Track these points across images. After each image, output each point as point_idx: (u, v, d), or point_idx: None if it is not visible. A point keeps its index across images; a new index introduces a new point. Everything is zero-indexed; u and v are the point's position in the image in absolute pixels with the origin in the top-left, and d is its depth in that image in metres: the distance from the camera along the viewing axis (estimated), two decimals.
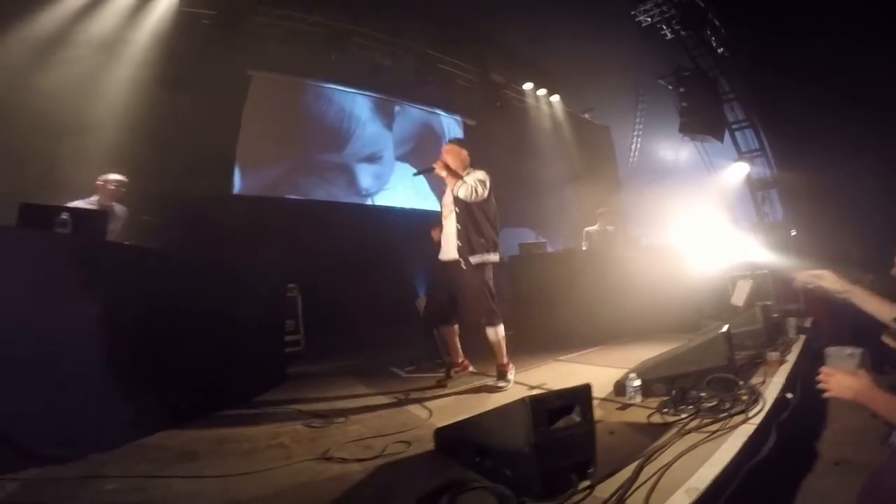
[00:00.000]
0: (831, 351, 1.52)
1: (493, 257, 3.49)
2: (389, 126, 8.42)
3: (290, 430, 2.63)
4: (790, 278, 2.06)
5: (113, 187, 3.98)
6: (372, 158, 8.01)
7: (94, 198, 3.94)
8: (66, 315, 2.31)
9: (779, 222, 8.61)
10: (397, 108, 8.58)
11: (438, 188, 8.51)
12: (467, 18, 7.74)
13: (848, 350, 1.48)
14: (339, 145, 7.57)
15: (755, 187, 8.98)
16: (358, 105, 8.04)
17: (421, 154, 8.76)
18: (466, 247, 3.42)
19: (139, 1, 5.81)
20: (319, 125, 7.52)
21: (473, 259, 3.40)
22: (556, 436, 1.57)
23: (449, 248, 3.53)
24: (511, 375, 3.48)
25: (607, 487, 1.54)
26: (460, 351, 3.81)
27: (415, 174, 3.89)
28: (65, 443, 2.16)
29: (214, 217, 5.60)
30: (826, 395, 1.42)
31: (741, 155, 9.07)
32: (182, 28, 6.03)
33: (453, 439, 2.03)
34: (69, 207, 2.86)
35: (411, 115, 8.84)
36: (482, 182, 3.47)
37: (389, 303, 6.05)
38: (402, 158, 8.57)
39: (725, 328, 2.85)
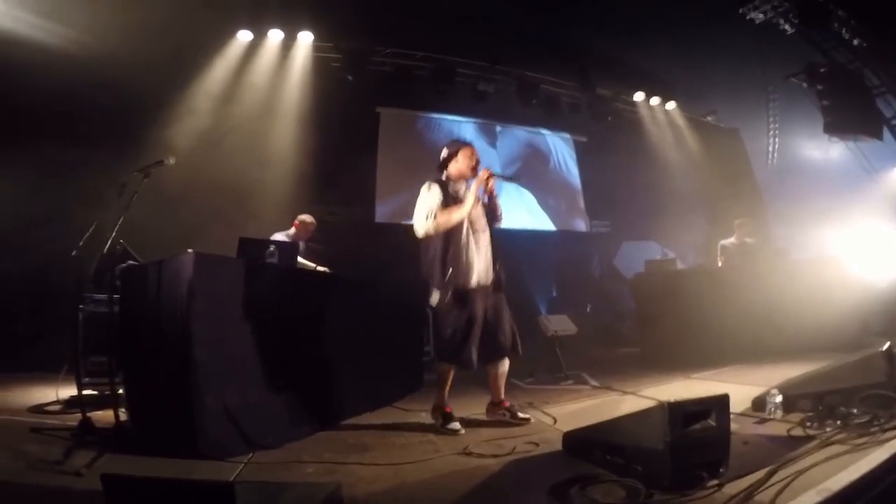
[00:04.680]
0: None
1: None
2: (493, 144, 8.84)
3: (433, 428, 2.99)
4: None
5: (298, 223, 4.79)
6: None
7: (291, 231, 4.74)
8: (272, 328, 2.92)
9: None
10: (499, 128, 8.97)
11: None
12: (564, 36, 7.79)
13: None
14: None
15: None
16: (463, 129, 8.61)
17: (528, 174, 8.96)
18: (502, 271, 3.14)
19: (282, 50, 6.93)
20: (433, 151, 8.19)
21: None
22: (691, 436, 1.70)
23: (484, 270, 3.05)
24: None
25: (737, 486, 1.62)
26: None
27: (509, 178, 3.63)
28: (270, 434, 2.67)
29: (362, 242, 6.49)
30: None
31: None
32: (319, 73, 7.07)
33: (583, 440, 2.21)
34: (274, 241, 3.57)
35: (516, 135, 9.16)
36: None
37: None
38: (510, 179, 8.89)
39: (888, 345, 2.62)
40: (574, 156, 9.56)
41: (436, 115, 8.47)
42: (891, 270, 5.81)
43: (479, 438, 2.72)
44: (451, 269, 2.92)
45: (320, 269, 4.15)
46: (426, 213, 2.97)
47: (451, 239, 2.96)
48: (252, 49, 6.75)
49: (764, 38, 7.60)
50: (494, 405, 3.17)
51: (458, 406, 3.48)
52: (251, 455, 2.47)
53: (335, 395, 3.29)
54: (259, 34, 6.77)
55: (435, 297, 2.96)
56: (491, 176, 3.10)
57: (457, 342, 2.93)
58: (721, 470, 1.68)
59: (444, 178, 3.16)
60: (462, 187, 3.14)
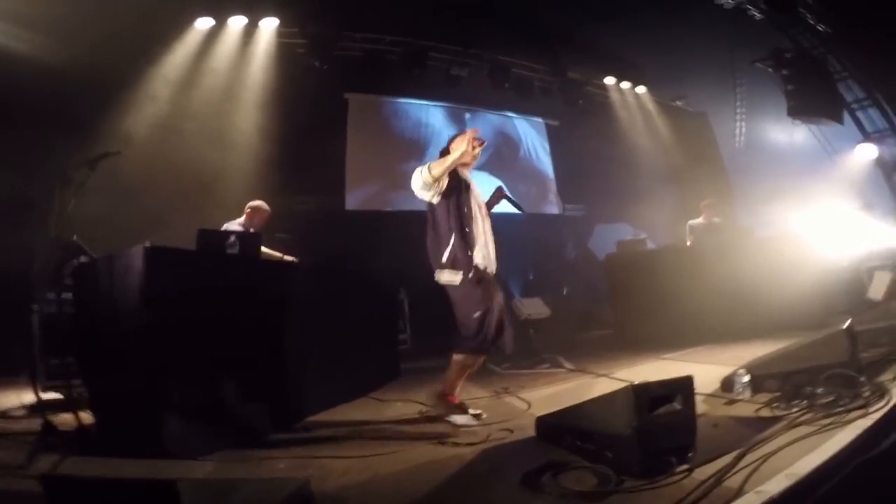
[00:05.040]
0: None
1: None
2: (462, 132, 8.66)
3: (410, 417, 3.00)
4: None
5: (249, 211, 4.41)
6: None
7: (241, 219, 4.35)
8: (237, 321, 2.78)
9: None
10: (468, 116, 8.80)
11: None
12: (535, 20, 7.74)
13: None
14: (420, 155, 7.94)
15: (890, 169, 7.83)
16: (432, 115, 8.43)
17: (498, 162, 8.85)
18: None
19: (244, 36, 6.65)
20: (401, 139, 8.05)
21: None
22: (657, 421, 1.69)
23: (491, 253, 3.01)
24: None
25: (706, 471, 1.62)
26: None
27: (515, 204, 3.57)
28: (241, 430, 2.63)
29: (332, 231, 6.37)
30: None
31: (868, 136, 7.99)
32: (284, 59, 6.81)
33: (554, 426, 2.20)
34: (235, 232, 3.43)
35: (486, 121, 9.01)
36: None
37: None
38: (481, 167, 8.77)
39: (848, 322, 2.68)
40: (546, 140, 9.51)
41: (406, 101, 8.28)
42: (851, 250, 6.01)
43: (455, 427, 2.71)
44: (472, 247, 2.86)
45: (288, 258, 4.01)
46: (420, 169, 2.90)
47: (465, 219, 2.91)
48: (213, 36, 6.42)
49: (733, 23, 7.71)
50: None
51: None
52: (222, 453, 2.42)
53: (307, 389, 3.21)
54: (220, 21, 6.44)
55: (457, 277, 2.84)
56: (480, 143, 3.11)
57: (490, 326, 2.82)
58: (690, 454, 1.68)
59: None
60: (466, 173, 3.12)
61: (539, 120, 9.49)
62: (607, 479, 1.66)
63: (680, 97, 10.29)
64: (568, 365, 4.39)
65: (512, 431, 2.50)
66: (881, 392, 2.18)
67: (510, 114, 9.19)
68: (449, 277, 2.85)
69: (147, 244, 2.54)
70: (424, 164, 2.95)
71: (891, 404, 2.03)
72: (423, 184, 2.85)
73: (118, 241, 3.09)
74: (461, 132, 3.30)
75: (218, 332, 2.69)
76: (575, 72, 8.78)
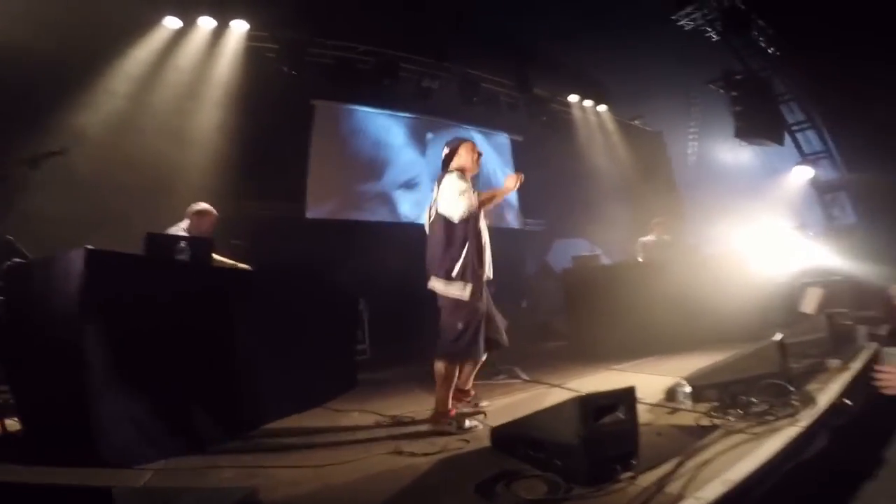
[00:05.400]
0: (890, 350, 1.56)
1: None
2: (423, 153, 8.48)
3: (366, 428, 2.97)
4: (873, 286, 2.08)
5: (195, 215, 3.97)
6: (409, 185, 8.11)
7: (185, 223, 3.92)
8: (182, 329, 2.71)
9: (851, 225, 8.06)
10: (430, 136, 8.62)
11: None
12: (506, 36, 7.89)
13: None
14: (379, 175, 7.90)
15: (822, 190, 8.44)
16: (392, 133, 8.28)
17: None
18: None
19: (213, 38, 6.47)
20: (362, 156, 7.87)
21: None
22: (602, 430, 1.77)
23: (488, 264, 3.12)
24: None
25: (649, 478, 1.71)
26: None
27: None
28: (185, 439, 2.55)
29: (291, 240, 6.25)
30: (885, 391, 1.48)
31: (805, 158, 8.58)
32: (252, 62, 6.67)
33: (508, 436, 2.25)
34: (185, 237, 3.29)
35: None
36: None
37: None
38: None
39: (779, 336, 2.88)
40: (510, 159, 9.53)
41: (373, 111, 8.17)
42: (787, 266, 6.42)
43: (412, 436, 2.71)
44: (483, 262, 2.97)
45: (241, 266, 3.89)
46: (462, 194, 2.91)
47: (479, 232, 3.00)
48: (180, 35, 6.20)
49: (690, 45, 8.08)
50: (463, 392, 3.17)
51: (393, 405, 3.48)
52: (163, 462, 2.34)
53: (257, 397, 3.14)
54: (188, 21, 6.23)
55: (467, 292, 2.87)
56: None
57: (469, 336, 2.90)
58: (633, 461, 1.76)
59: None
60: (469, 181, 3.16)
61: (504, 136, 9.56)
62: (557, 487, 1.71)
63: (638, 116, 10.70)
64: (523, 376, 4.45)
65: (468, 441, 2.53)
66: (809, 401, 2.35)
67: (472, 129, 9.09)
68: (458, 292, 2.88)
69: (89, 246, 2.41)
70: (458, 190, 2.93)
71: (816, 414, 2.19)
72: (462, 214, 2.90)
73: (71, 241, 2.90)
74: (458, 137, 3.37)
75: (163, 340, 2.62)
76: (541, 88, 8.96)
